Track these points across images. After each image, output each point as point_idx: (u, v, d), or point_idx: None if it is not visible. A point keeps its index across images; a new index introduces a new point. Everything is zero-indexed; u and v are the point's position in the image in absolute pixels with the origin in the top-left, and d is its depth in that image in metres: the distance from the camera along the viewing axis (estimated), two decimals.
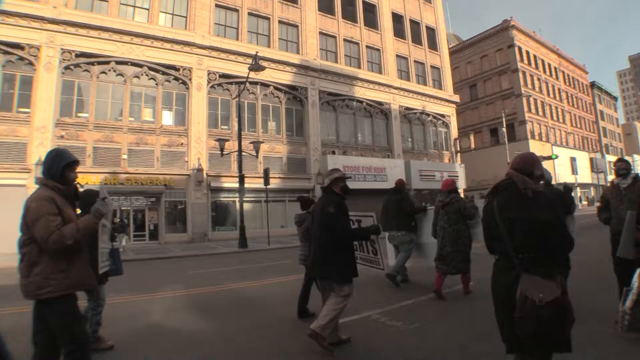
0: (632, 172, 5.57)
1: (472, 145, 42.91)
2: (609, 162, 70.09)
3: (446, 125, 40.03)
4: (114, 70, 23.33)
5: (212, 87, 26.05)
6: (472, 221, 7.11)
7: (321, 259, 4.71)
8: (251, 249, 19.06)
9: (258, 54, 20.46)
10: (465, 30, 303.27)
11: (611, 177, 6.24)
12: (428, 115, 38.13)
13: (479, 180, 47.98)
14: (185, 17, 26.01)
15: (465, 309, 6.35)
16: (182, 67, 25.02)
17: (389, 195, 8.80)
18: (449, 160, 39.40)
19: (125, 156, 22.89)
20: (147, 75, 24.27)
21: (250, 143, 22.56)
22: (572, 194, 7.71)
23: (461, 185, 37.88)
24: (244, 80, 22.99)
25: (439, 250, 7.22)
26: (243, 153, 20.96)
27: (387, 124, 34.87)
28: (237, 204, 23.50)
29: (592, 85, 76.61)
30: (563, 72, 65.77)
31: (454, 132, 40.46)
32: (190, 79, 25.20)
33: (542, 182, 2.93)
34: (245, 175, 22.60)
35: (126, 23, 23.51)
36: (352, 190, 5.09)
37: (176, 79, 25.07)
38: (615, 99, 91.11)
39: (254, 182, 24.75)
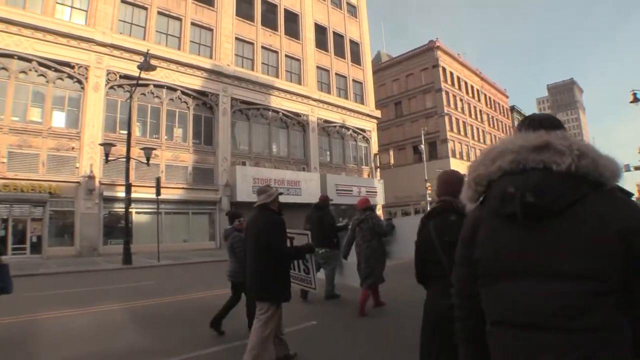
0: None
1: (392, 161, 43.10)
2: None
3: (367, 140, 39.81)
4: None
5: (111, 88, 23.96)
6: (386, 238, 7.22)
7: (257, 279, 4.42)
8: (135, 266, 17.47)
9: (152, 52, 19.09)
10: (399, 50, 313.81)
11: None
12: (348, 129, 37.77)
13: (402, 196, 48.31)
14: (86, 11, 23.85)
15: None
16: (77, 64, 22.80)
17: (312, 211, 8.81)
18: (369, 176, 39.11)
19: (4, 159, 20.40)
20: (36, 71, 21.89)
21: (141, 149, 20.63)
22: None
23: (380, 201, 37.60)
24: (149, 82, 21.34)
25: (357, 267, 7.28)
26: (136, 160, 19.25)
27: (304, 136, 34.04)
28: (133, 215, 21.71)
29: (512, 109, 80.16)
30: (485, 95, 68.30)
31: (375, 147, 40.27)
32: (86, 78, 22.99)
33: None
34: (143, 185, 21.13)
35: (13, 12, 20.94)
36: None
37: (70, 77, 22.79)
38: None
39: (152, 192, 21.79)
